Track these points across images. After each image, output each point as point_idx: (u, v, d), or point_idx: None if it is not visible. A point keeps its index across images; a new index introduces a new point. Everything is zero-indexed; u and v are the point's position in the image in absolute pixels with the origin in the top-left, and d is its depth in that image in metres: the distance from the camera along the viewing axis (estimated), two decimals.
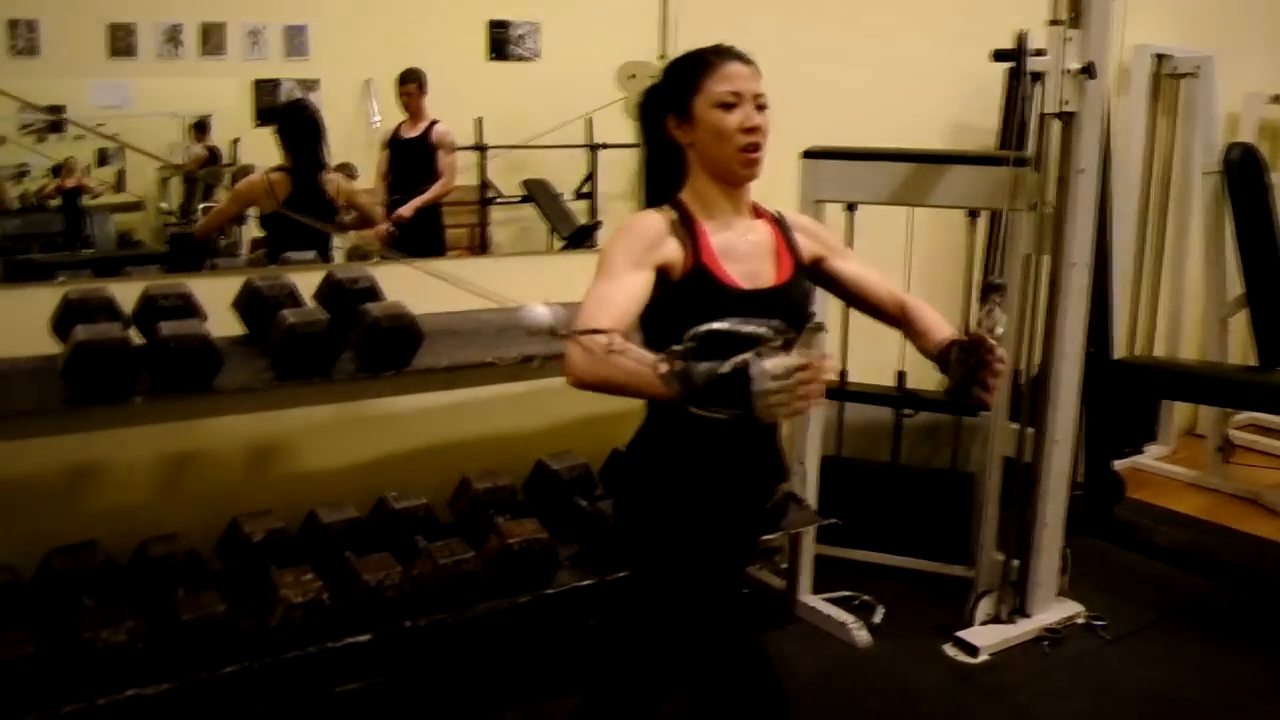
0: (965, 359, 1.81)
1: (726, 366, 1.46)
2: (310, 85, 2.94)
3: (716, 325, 1.52)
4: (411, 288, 2.98)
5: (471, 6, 3.16)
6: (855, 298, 2.06)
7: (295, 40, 2.87)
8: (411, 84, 3.11)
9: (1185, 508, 4.65)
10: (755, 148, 1.85)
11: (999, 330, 1.78)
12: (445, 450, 3.20)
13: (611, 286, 1.72)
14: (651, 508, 1.93)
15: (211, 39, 2.76)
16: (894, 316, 2.04)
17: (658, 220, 1.84)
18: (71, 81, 2.67)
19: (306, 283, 2.73)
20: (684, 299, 1.80)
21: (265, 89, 2.88)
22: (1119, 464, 4.76)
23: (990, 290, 1.84)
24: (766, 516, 2.07)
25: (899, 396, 3.84)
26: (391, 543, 2.76)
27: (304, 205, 3.00)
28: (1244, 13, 5.45)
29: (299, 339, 2.39)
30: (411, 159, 3.21)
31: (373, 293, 2.69)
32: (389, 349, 2.51)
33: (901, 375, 3.84)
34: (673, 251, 1.81)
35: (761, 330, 1.48)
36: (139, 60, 2.68)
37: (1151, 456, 5.30)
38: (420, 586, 2.60)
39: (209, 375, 2.33)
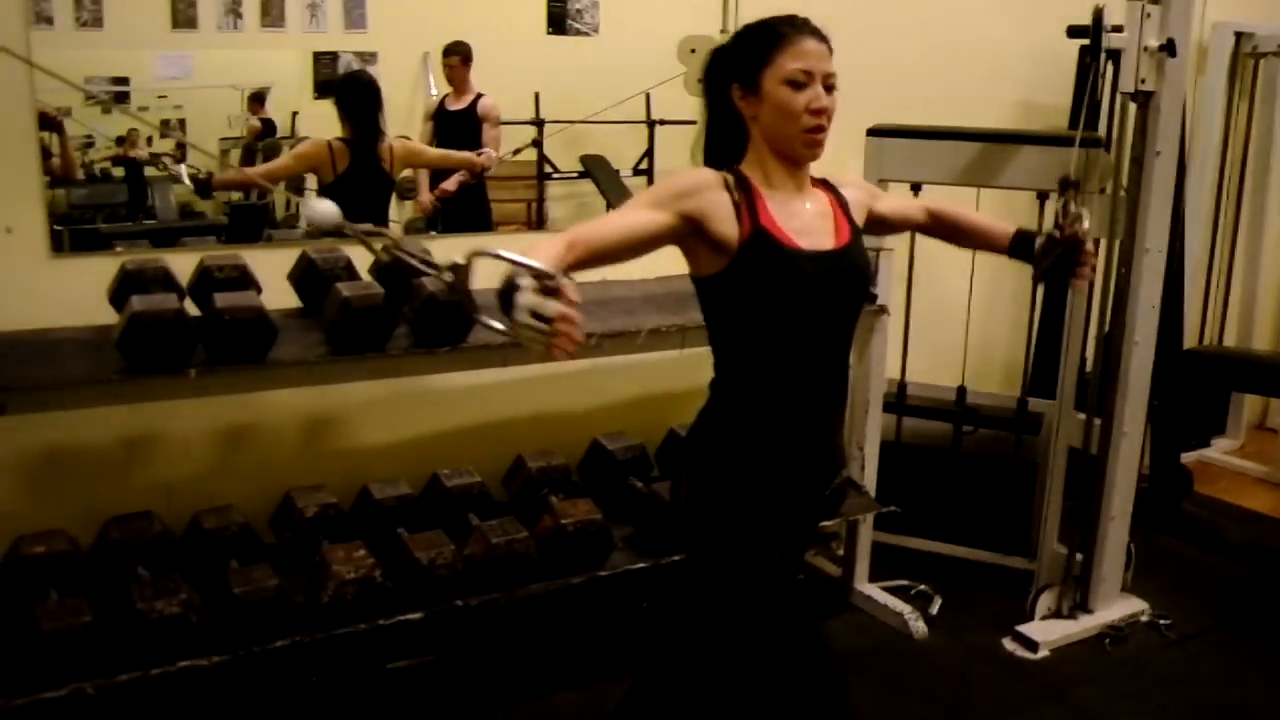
0: (1052, 249, 2.00)
1: (499, 283, 1.47)
2: (368, 58, 2.93)
3: (491, 249, 1.52)
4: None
5: None
6: (902, 226, 2.15)
7: (354, 13, 2.86)
8: (455, 56, 3.07)
9: (1254, 504, 4.50)
10: (820, 129, 1.81)
11: (1085, 223, 1.97)
12: (500, 428, 3.17)
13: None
14: (712, 489, 1.89)
15: (271, 11, 2.75)
16: (937, 227, 2.16)
17: (708, 175, 1.81)
18: (135, 53, 2.68)
19: (364, 256, 2.70)
20: (749, 266, 1.77)
21: (324, 61, 2.88)
22: (1186, 457, 4.63)
23: (1066, 186, 2.06)
24: (825, 503, 2.03)
25: (958, 412, 3.74)
26: (444, 520, 2.73)
27: (363, 178, 3.00)
28: None
29: (354, 313, 2.37)
30: (457, 131, 3.17)
31: (429, 267, 2.66)
32: (445, 325, 2.48)
33: (962, 391, 3.75)
34: (719, 207, 1.77)
35: (535, 263, 1.45)
36: (200, 32, 2.68)
37: (1219, 450, 5.15)
38: (472, 565, 2.58)
39: (263, 348, 2.32)
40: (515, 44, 3.14)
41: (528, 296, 1.43)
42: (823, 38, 1.83)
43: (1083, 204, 2.02)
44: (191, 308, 2.39)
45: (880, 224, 2.08)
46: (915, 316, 3.66)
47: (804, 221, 1.83)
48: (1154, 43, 2.84)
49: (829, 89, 1.81)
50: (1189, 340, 4.51)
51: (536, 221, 3.38)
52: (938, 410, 3.75)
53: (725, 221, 1.77)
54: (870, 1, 3.67)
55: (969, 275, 3.72)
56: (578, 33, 3.20)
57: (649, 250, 1.76)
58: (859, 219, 1.96)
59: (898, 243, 3.31)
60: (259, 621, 2.34)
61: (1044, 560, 3.44)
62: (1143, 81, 2.88)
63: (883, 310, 3.15)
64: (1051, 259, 2.01)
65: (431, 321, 2.47)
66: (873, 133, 3.29)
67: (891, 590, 3.43)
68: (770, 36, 1.81)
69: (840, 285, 1.86)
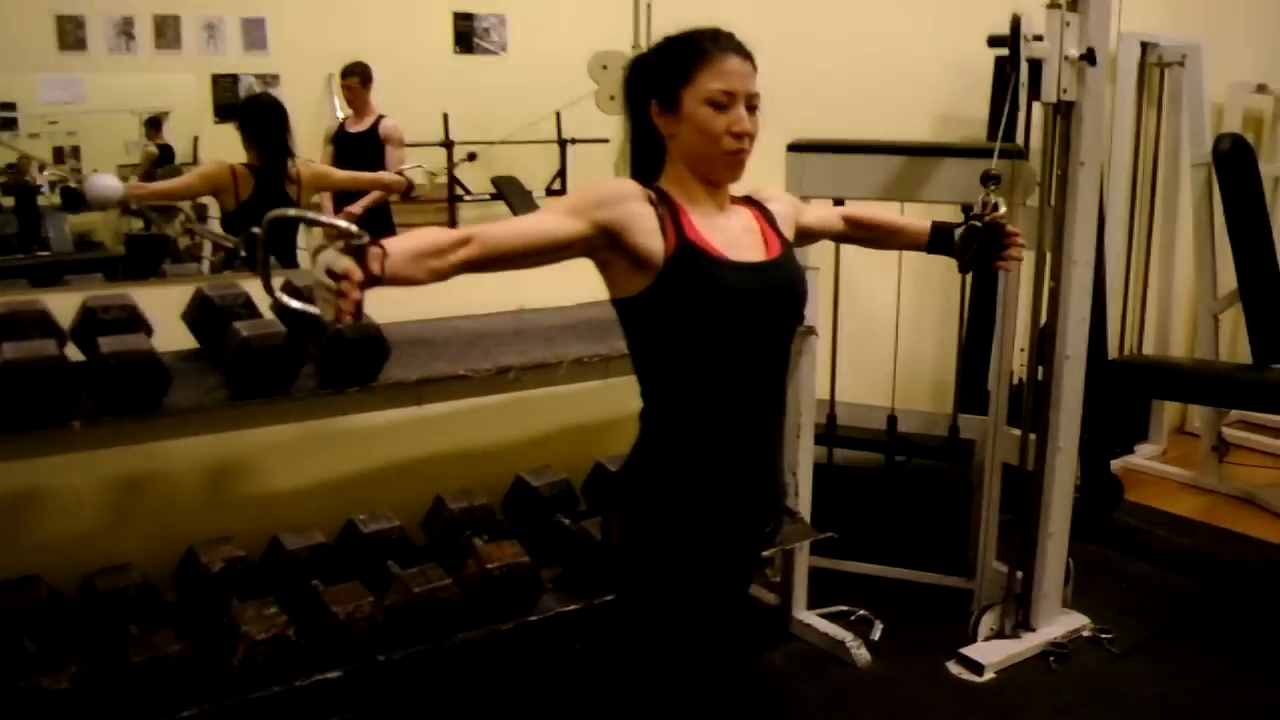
0: (974, 236, 2.04)
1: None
2: (270, 80, 2.82)
3: (291, 212, 1.50)
4: (379, 295, 2.81)
5: None
6: (824, 236, 2.13)
7: (254, 34, 2.76)
8: (354, 78, 2.97)
9: (1182, 509, 4.53)
10: (741, 153, 1.73)
11: (1003, 209, 2.06)
12: (417, 467, 3.01)
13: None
14: (647, 529, 1.78)
15: (166, 32, 2.64)
16: (857, 232, 2.16)
17: (629, 185, 1.71)
18: (19, 77, 2.54)
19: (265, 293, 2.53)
20: (675, 282, 1.66)
21: (224, 84, 2.76)
22: (1112, 464, 4.64)
23: (987, 180, 2.23)
24: (765, 538, 1.92)
25: (889, 443, 3.68)
26: (362, 570, 2.57)
27: (270, 205, 2.82)
28: (1227, 2, 5.35)
29: (253, 354, 2.20)
30: (358, 154, 3.07)
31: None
32: (353, 363, 2.32)
33: (893, 419, 3.69)
34: (640, 218, 1.66)
35: (344, 225, 1.38)
36: (90, 54, 2.54)
37: (1143, 456, 5.19)
38: (394, 617, 2.42)
39: (156, 395, 2.14)
40: (422, 64, 3.05)
41: (327, 254, 1.35)
42: (747, 55, 1.73)
43: (999, 194, 2.13)
44: (77, 353, 2.22)
45: (805, 235, 2.04)
46: (842, 335, 3.60)
47: (730, 235, 1.75)
48: (1074, 52, 2.81)
49: (751, 109, 1.72)
50: (1110, 350, 4.52)
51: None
52: (869, 442, 3.70)
53: (648, 234, 1.66)
54: (786, 13, 3.61)
55: (895, 292, 3.67)
56: (485, 51, 3.12)
57: (557, 257, 1.64)
58: (788, 232, 1.89)
59: (822, 260, 3.25)
60: (162, 691, 2.14)
61: (984, 579, 3.38)
62: (1064, 91, 2.84)
63: (811, 331, 3.07)
64: (975, 246, 2.05)
65: (339, 359, 2.31)
66: (794, 148, 3.21)
67: (831, 617, 3.34)
68: (691, 52, 1.71)
69: (774, 299, 1.76)
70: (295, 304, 1.42)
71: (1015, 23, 2.83)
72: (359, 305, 1.36)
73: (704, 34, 1.73)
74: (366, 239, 1.38)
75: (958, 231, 2.08)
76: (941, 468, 3.65)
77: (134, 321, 2.33)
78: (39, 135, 2.60)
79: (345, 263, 1.34)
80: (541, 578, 2.62)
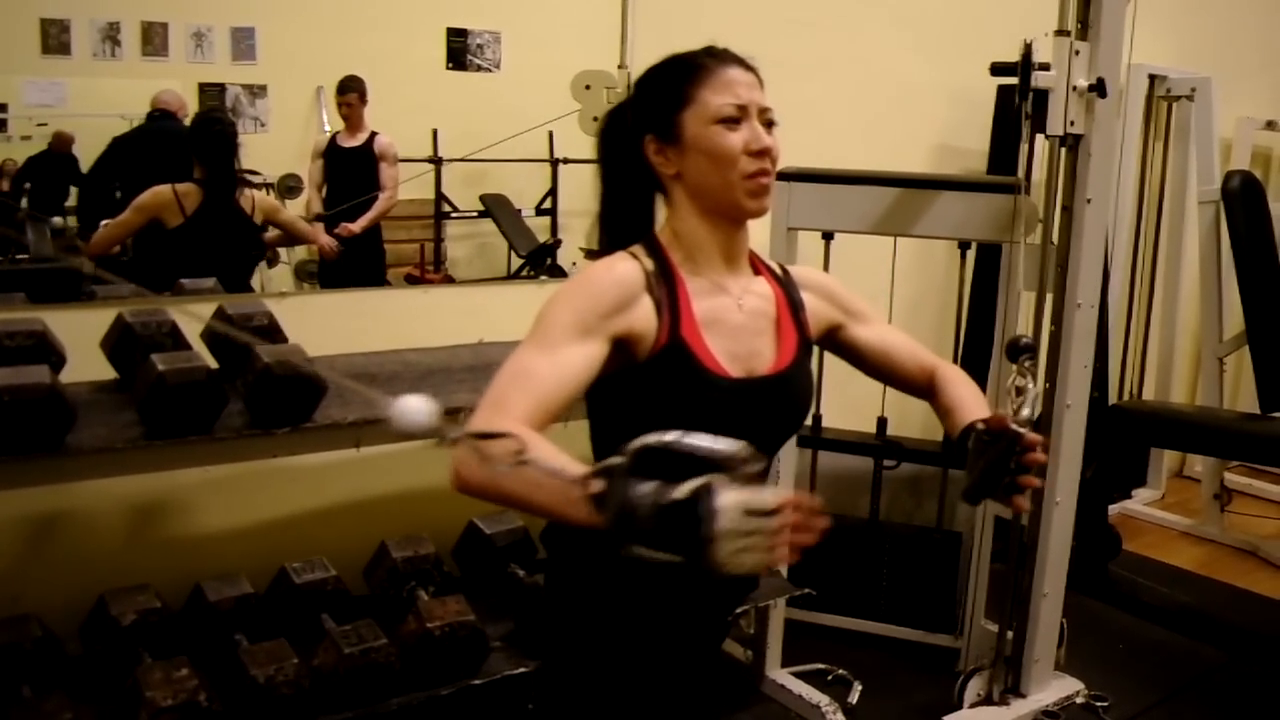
0: (984, 450, 1.40)
1: (681, 491, 1.05)
2: (258, 91, 2.77)
3: (668, 438, 1.09)
4: (325, 323, 2.63)
5: (429, 14, 2.95)
6: (877, 369, 1.66)
7: (243, 43, 2.70)
8: (352, 94, 2.91)
9: (1182, 561, 4.33)
10: (765, 174, 1.43)
11: (1026, 411, 1.43)
12: (361, 509, 2.78)
13: (541, 359, 1.30)
14: (589, 634, 1.53)
15: (154, 40, 2.59)
16: (923, 389, 1.64)
17: (631, 272, 1.40)
18: (2, 78, 2.50)
19: (192, 320, 2.33)
20: (654, 384, 1.39)
21: (210, 93, 2.72)
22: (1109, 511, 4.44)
23: (1020, 352, 1.50)
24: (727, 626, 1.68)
25: (879, 446, 3.47)
26: (292, 624, 2.35)
27: (218, 221, 2.76)
28: (1238, 35, 5.20)
29: (170, 391, 1.99)
30: (352, 170, 2.99)
31: (270, 331, 2.30)
32: (284, 401, 2.11)
33: (882, 422, 3.48)
34: (643, 317, 1.38)
35: (730, 449, 1.07)
36: (74, 59, 2.50)
37: (1141, 502, 4.99)
38: (322, 680, 2.20)
39: (58, 433, 1.92)
40: (413, 79, 3.00)
41: (731, 497, 1.04)
42: (750, 66, 1.47)
43: (1032, 370, 1.51)
44: None
45: (845, 350, 1.64)
46: (830, 373, 3.39)
47: (738, 339, 1.44)
48: (1083, 82, 2.62)
49: (768, 124, 1.45)
50: (1110, 393, 4.32)
51: (434, 262, 3.16)
52: (857, 445, 3.52)
53: (649, 330, 1.39)
54: (779, 38, 3.42)
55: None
56: (479, 68, 3.05)
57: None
58: (814, 329, 1.56)
59: None
60: None
61: (971, 638, 3.17)
62: (1072, 124, 2.64)
63: None
64: (983, 463, 1.41)
65: (268, 398, 2.09)
66: (783, 177, 3.01)
67: (806, 676, 3.13)
68: (685, 70, 1.45)
69: (769, 419, 1.47)
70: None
71: (1027, 50, 2.64)
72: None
73: (694, 51, 1.47)
74: (758, 464, 1.09)
75: (971, 436, 1.47)
76: (930, 517, 3.44)
77: (43, 350, 2.11)
78: (30, 138, 2.57)
79: (770, 496, 1.05)
80: (489, 636, 2.40)
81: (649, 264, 1.43)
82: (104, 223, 2.71)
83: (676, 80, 1.45)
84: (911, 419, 3.54)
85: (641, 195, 1.52)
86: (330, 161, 2.96)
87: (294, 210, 2.94)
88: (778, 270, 1.58)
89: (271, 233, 2.93)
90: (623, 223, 1.52)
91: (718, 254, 1.47)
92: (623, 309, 1.37)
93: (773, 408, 1.46)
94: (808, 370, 1.52)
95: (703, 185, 1.44)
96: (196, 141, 2.73)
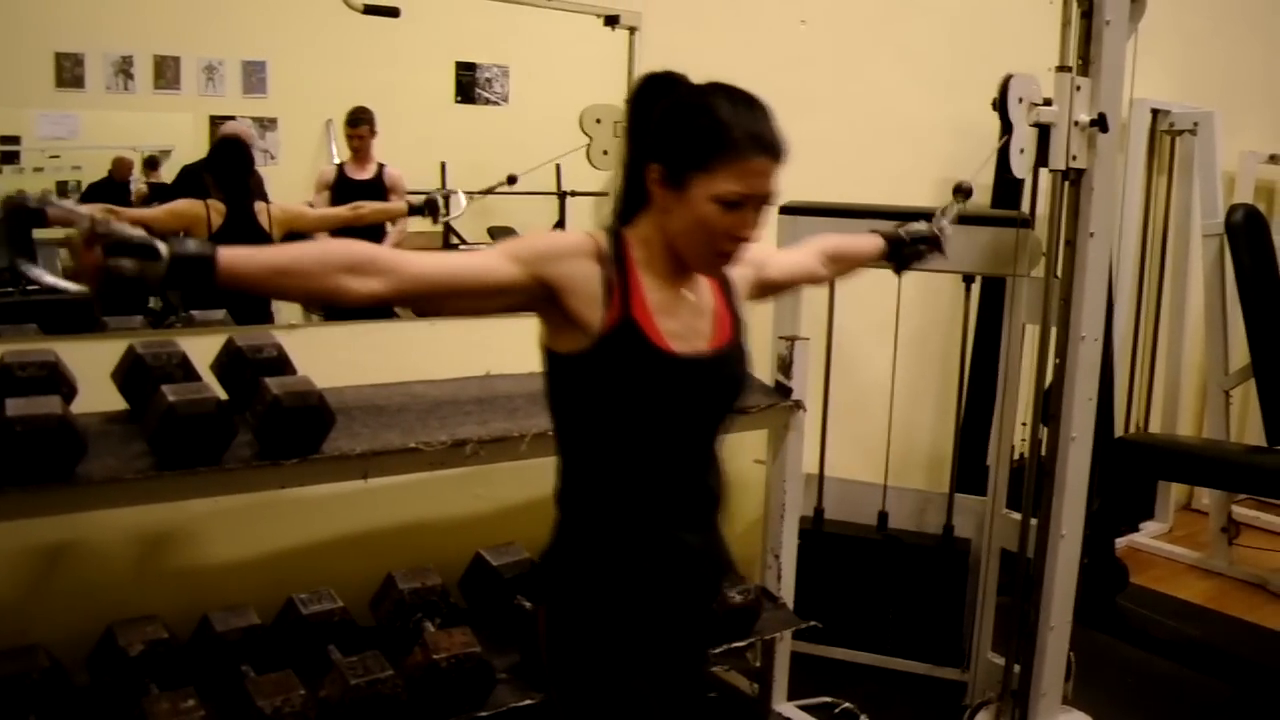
0: (915, 249, 2.38)
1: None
2: (268, 124, 2.80)
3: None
4: (334, 355, 2.64)
5: (438, 48, 2.98)
6: (795, 284, 2.06)
7: (254, 77, 2.73)
8: (364, 125, 2.93)
9: (1190, 594, 4.31)
10: (730, 255, 1.57)
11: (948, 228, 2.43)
12: (368, 540, 2.79)
13: (461, 254, 1.59)
14: (576, 623, 1.66)
15: (166, 73, 2.62)
16: (836, 266, 2.11)
17: (576, 240, 1.56)
18: (15, 111, 2.51)
19: (202, 352, 2.35)
20: (609, 358, 1.53)
21: (221, 126, 2.74)
22: (1116, 543, 4.42)
23: (958, 191, 2.53)
24: (712, 621, 1.88)
25: (881, 541, 3.47)
26: (299, 655, 2.35)
27: (238, 235, 2.77)
28: (1240, 69, 5.23)
29: (180, 422, 2.00)
30: (363, 201, 2.99)
31: (279, 364, 2.31)
32: (293, 432, 2.13)
33: (883, 516, 3.49)
34: (581, 276, 1.52)
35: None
36: (88, 92, 2.53)
37: (1149, 535, 4.98)
38: (328, 711, 2.20)
39: (69, 464, 1.94)
40: (422, 112, 3.02)
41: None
42: (779, 154, 1.54)
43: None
44: None
45: (776, 288, 1.94)
46: (835, 407, 3.41)
47: (682, 320, 1.60)
48: (1085, 117, 2.64)
49: (760, 206, 1.55)
50: (1116, 426, 4.32)
51: None
52: (859, 540, 3.49)
53: (588, 300, 1.52)
54: (784, 71, 3.44)
55: (890, 361, 3.48)
56: (487, 101, 3.08)
57: (491, 304, 1.51)
58: (744, 297, 1.77)
59: (813, 329, 3.07)
60: None
61: (978, 672, 3.16)
62: (1074, 158, 2.67)
63: (798, 405, 2.87)
64: (910, 255, 2.36)
65: (277, 429, 2.11)
66: (785, 210, 3.04)
67: (813, 709, 3.11)
68: (717, 141, 1.49)
69: (712, 394, 1.65)
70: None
71: (1004, 84, 2.66)
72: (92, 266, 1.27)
73: (738, 116, 1.51)
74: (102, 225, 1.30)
75: (916, 233, 2.38)
76: (934, 545, 3.43)
77: (54, 380, 2.13)
78: (43, 169, 2.58)
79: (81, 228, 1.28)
80: (495, 668, 2.40)
81: (605, 245, 1.56)
82: (139, 210, 2.71)
83: (707, 145, 1.50)
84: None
85: (643, 186, 1.60)
86: (339, 194, 2.97)
87: None
88: None
89: None
90: (630, 197, 1.62)
91: (672, 261, 1.60)
92: (556, 259, 1.51)
93: (713, 381, 1.63)
94: (743, 349, 1.70)
95: (677, 234, 1.56)
96: (213, 165, 2.76)
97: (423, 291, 1.45)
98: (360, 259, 1.39)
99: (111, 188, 2.68)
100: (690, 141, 1.51)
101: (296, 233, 2.91)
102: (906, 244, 2.35)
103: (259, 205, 2.82)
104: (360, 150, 2.95)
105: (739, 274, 1.73)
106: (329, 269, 1.37)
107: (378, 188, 3.01)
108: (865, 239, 2.26)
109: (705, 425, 1.67)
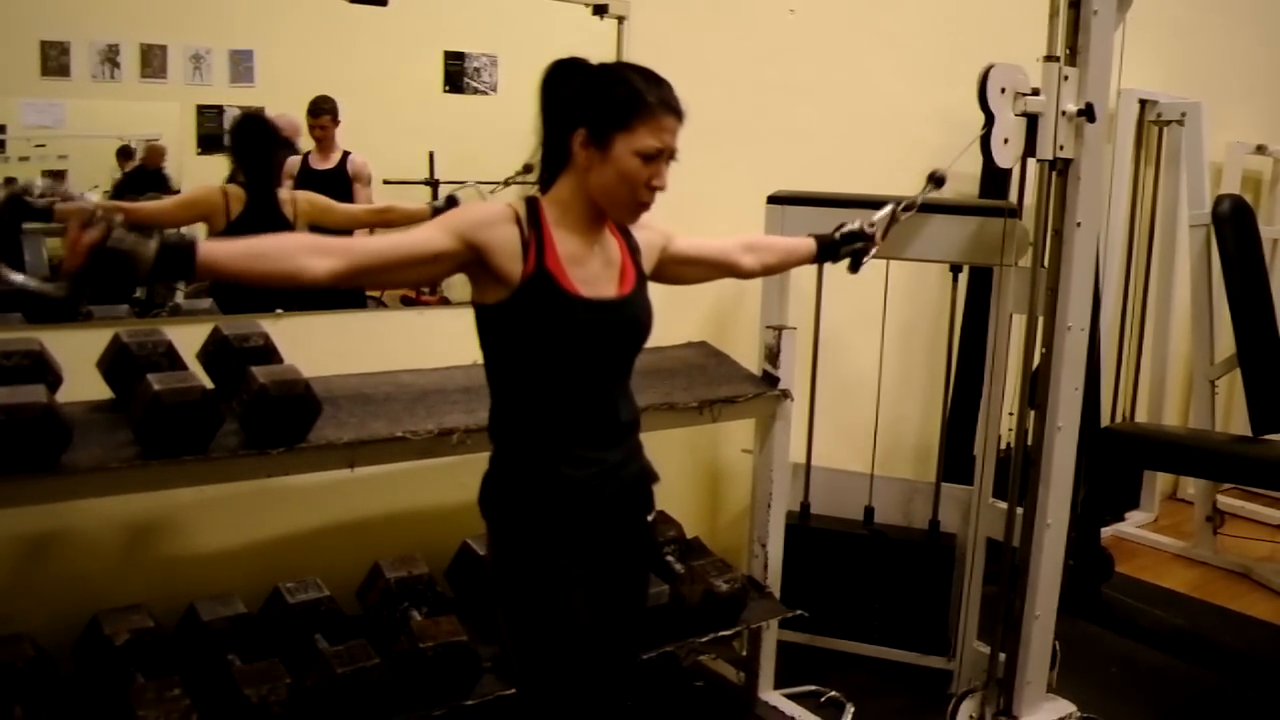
0: (850, 246, 2.45)
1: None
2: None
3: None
4: (320, 344, 2.63)
5: (426, 37, 2.95)
6: (707, 265, 2.15)
7: (241, 66, 2.70)
8: (325, 115, 2.84)
9: (1175, 583, 4.34)
10: (649, 204, 1.82)
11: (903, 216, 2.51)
12: (355, 530, 2.79)
13: (400, 232, 1.74)
14: (511, 540, 1.85)
15: (153, 62, 2.59)
16: (760, 266, 2.26)
17: (499, 209, 1.79)
18: (1, 100, 2.48)
19: (188, 341, 2.34)
20: (527, 304, 1.76)
21: (208, 115, 2.70)
22: (1101, 533, 4.45)
23: (932, 179, 2.55)
24: (646, 527, 2.01)
25: (867, 535, 3.47)
26: (285, 644, 2.36)
27: (260, 224, 2.66)
28: (1228, 60, 5.24)
29: (166, 410, 2.00)
30: (326, 192, 2.92)
31: (265, 352, 2.31)
32: (279, 421, 2.13)
33: (869, 511, 3.49)
34: (504, 239, 1.75)
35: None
36: (73, 81, 2.50)
37: (1134, 524, 5.00)
38: (313, 700, 2.21)
39: (53, 452, 1.94)
40: (410, 102, 2.99)
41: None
42: (681, 112, 1.81)
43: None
44: None
45: (683, 264, 2.08)
46: (822, 396, 3.41)
47: (589, 269, 1.82)
48: (1072, 107, 2.64)
49: (668, 160, 1.81)
50: (1103, 415, 4.34)
51: (430, 287, 3.13)
52: (845, 534, 3.48)
53: (509, 257, 1.75)
54: (771, 60, 3.45)
55: (878, 351, 3.49)
56: (476, 91, 3.04)
57: (431, 270, 1.75)
58: (648, 264, 1.96)
59: (800, 319, 3.07)
60: None
61: (964, 660, 3.17)
62: (1061, 148, 2.67)
63: (785, 395, 2.88)
64: (854, 255, 2.46)
65: (263, 418, 2.11)
66: (774, 200, 3.04)
67: (799, 698, 3.13)
68: (635, 101, 1.76)
69: (617, 333, 1.87)
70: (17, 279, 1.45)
71: (984, 74, 2.67)
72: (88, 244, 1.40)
73: (647, 83, 1.78)
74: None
75: (850, 230, 2.47)
76: (920, 535, 3.44)
77: (39, 369, 2.12)
78: (29, 158, 2.55)
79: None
80: (481, 656, 2.41)
81: (522, 211, 1.79)
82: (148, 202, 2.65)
83: (627, 107, 1.76)
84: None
85: (562, 153, 1.83)
86: (302, 185, 2.88)
87: None
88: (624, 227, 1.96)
89: None
90: (549, 166, 1.86)
91: (585, 224, 1.83)
92: (483, 227, 1.73)
93: (618, 321, 1.85)
94: (646, 298, 1.92)
95: (602, 189, 1.79)
96: (236, 142, 2.71)
97: (375, 263, 1.68)
98: (321, 242, 1.64)
99: (145, 177, 2.67)
100: (612, 106, 1.76)
101: (320, 228, 2.81)
102: (839, 243, 2.45)
103: (284, 195, 2.78)
104: (323, 140, 2.88)
105: (645, 239, 1.96)
106: (296, 251, 1.59)
107: (340, 177, 2.95)
108: (796, 239, 2.41)
109: (614, 359, 1.89)
